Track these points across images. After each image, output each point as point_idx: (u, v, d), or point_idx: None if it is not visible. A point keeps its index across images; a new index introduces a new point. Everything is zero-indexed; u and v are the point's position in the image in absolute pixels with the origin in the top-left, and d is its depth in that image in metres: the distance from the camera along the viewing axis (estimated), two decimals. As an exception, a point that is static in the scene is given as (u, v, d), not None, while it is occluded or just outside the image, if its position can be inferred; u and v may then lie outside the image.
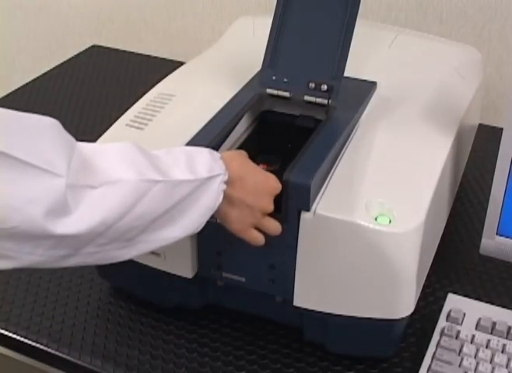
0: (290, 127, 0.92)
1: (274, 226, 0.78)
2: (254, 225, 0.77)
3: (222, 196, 0.71)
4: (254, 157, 0.81)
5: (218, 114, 0.89)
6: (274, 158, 0.85)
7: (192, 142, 0.83)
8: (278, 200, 0.78)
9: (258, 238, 0.77)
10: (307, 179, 0.77)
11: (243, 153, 0.78)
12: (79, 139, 0.63)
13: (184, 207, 0.68)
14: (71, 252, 0.62)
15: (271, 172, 0.80)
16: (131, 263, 0.84)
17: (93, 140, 0.83)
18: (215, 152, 0.73)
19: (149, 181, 0.64)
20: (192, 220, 0.70)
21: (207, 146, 0.76)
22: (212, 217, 0.73)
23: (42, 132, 0.59)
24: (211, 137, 0.83)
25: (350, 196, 0.79)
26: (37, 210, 0.57)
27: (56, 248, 0.61)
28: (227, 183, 0.72)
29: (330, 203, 0.78)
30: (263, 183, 0.75)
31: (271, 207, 0.77)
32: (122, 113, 0.95)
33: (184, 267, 0.87)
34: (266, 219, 0.77)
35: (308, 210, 0.78)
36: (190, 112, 0.92)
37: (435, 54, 1.08)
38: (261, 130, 0.94)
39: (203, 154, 0.71)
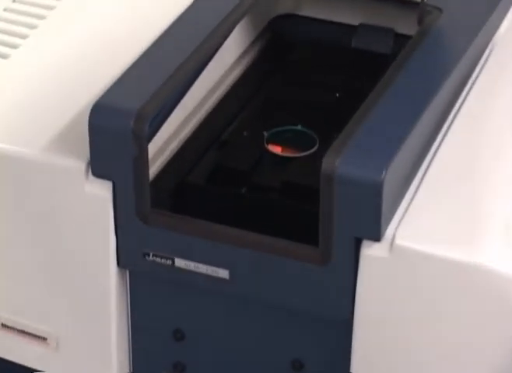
0: (337, 53, 0.79)
1: None
2: None
3: None
4: (260, 125, 0.70)
5: (174, 24, 0.71)
6: (304, 133, 0.72)
7: (114, 91, 0.64)
8: (312, 214, 0.62)
9: None
10: (376, 171, 0.58)
11: None
12: None
13: None
14: None
15: (301, 160, 0.69)
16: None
17: None
18: None
19: None
20: None
21: (149, 102, 0.61)
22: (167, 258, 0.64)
23: None
24: (159, 80, 0.64)
25: (465, 212, 0.64)
26: None
27: None
28: None
29: (422, 227, 0.63)
30: None
31: None
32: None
33: (104, 370, 0.75)
34: None
35: (378, 239, 0.61)
36: (106, 20, 0.79)
37: None
38: (274, 59, 0.81)
39: None
